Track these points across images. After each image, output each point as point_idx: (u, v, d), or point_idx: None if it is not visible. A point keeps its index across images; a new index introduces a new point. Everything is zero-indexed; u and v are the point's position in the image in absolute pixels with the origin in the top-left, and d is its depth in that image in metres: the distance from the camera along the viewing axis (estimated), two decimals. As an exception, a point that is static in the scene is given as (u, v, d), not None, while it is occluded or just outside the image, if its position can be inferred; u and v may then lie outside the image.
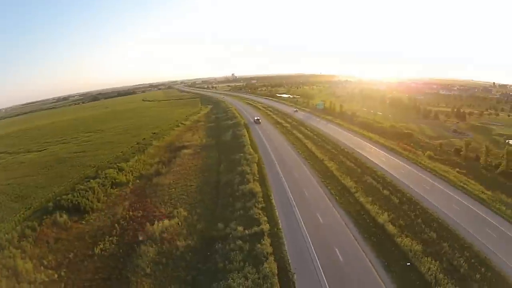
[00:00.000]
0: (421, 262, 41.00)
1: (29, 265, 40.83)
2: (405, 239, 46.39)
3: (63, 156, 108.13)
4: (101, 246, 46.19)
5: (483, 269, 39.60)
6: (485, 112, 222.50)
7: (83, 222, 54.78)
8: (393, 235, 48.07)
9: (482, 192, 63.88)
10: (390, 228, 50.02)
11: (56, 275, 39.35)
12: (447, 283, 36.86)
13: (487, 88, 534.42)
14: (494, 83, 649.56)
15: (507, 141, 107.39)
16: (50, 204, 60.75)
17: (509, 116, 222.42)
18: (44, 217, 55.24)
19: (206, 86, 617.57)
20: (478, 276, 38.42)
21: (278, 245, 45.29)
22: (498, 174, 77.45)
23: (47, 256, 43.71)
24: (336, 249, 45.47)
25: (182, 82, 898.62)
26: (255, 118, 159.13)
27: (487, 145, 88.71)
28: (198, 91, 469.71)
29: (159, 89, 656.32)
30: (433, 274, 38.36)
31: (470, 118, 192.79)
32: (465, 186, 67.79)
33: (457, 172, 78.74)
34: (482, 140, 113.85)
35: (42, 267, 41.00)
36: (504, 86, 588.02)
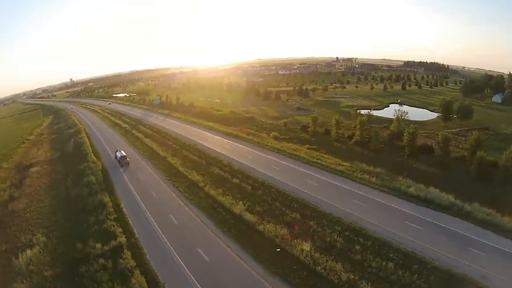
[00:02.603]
0: (292, 246, 43.32)
1: None
2: (267, 225, 48.71)
3: None
4: (-27, 295, 46.55)
5: (361, 239, 44.24)
6: (330, 86, 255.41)
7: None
8: (254, 224, 50.11)
9: (339, 165, 72.76)
10: (249, 217, 52.17)
11: None
12: (326, 261, 39.64)
13: (331, 63, 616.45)
14: (337, 57, 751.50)
15: (358, 111, 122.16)
16: None
17: (356, 87, 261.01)
18: None
19: (46, 96, 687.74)
20: (358, 247, 42.62)
21: (140, 256, 47.41)
22: (353, 145, 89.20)
23: None
24: (199, 250, 45.75)
25: (24, 94, 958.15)
26: (118, 155, 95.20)
27: (337, 117, 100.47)
28: (39, 102, 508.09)
29: (4, 104, 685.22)
30: (308, 255, 40.83)
31: (315, 94, 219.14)
32: (319, 161, 76.34)
33: (307, 148, 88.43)
34: (330, 114, 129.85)
35: None
36: (350, 59, 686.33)
